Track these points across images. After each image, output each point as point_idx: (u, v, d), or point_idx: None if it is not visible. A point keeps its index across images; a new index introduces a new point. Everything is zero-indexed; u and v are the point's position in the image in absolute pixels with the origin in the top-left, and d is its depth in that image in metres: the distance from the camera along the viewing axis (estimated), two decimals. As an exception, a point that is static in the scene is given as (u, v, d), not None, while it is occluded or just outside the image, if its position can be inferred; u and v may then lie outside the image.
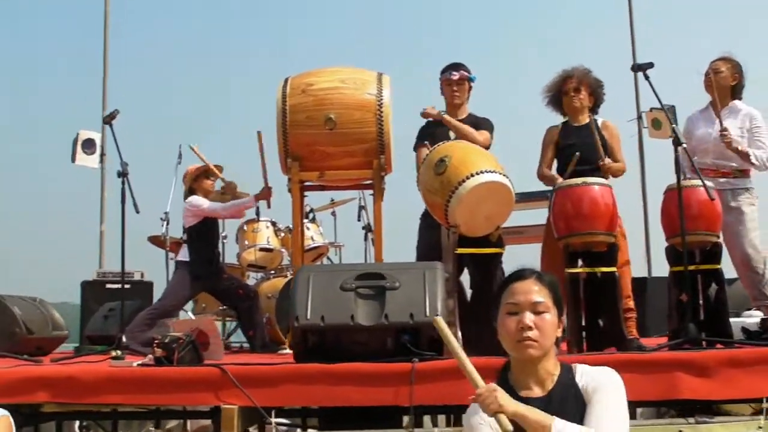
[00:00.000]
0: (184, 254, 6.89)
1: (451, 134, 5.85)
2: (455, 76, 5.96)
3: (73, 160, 9.92)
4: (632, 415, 4.77)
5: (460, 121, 5.96)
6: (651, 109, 9.68)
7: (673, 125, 5.12)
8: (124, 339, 5.54)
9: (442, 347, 4.49)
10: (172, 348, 4.47)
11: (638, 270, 8.54)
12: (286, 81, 6.61)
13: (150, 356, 4.56)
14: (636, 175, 11.34)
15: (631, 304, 5.60)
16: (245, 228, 8.20)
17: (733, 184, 5.73)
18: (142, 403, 4.30)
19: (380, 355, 4.35)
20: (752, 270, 5.60)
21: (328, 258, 8.66)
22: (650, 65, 5.29)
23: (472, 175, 4.75)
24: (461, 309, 4.98)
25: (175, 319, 5.41)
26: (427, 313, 4.35)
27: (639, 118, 11.02)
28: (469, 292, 5.33)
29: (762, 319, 6.02)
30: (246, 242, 8.13)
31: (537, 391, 2.54)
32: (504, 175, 4.85)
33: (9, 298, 6.77)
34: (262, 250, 8.11)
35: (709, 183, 5.28)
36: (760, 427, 4.11)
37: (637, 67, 5.32)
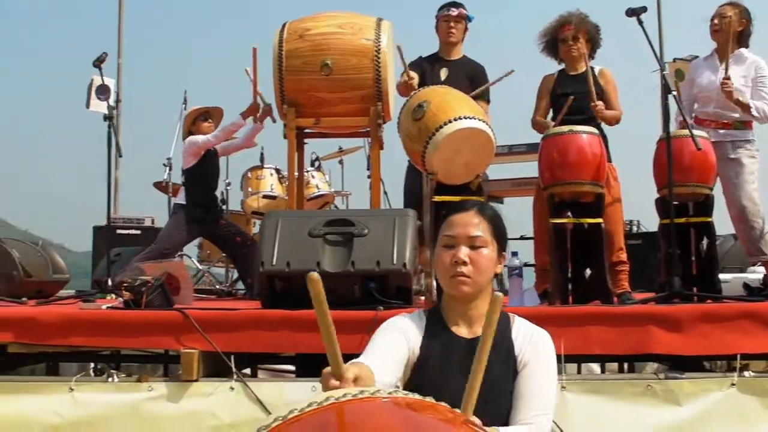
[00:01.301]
0: (181, 197, 6.86)
1: (442, 75, 5.67)
2: (454, 12, 5.79)
3: (88, 105, 9.87)
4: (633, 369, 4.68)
5: (454, 62, 5.76)
6: (674, 60, 9.39)
7: (664, 72, 4.92)
8: (110, 282, 5.56)
9: (410, 296, 4.43)
10: (141, 291, 4.45)
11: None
12: (283, 26, 6.53)
13: (120, 299, 4.55)
14: (660, 126, 11.03)
15: (624, 257, 5.47)
16: (249, 175, 8.17)
17: (734, 136, 5.51)
18: (102, 345, 4.29)
19: (347, 303, 4.27)
20: (748, 224, 5.41)
21: (335, 206, 8.60)
22: (644, 9, 5.08)
23: (450, 121, 4.60)
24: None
25: (147, 263, 5.38)
26: (395, 261, 4.28)
27: (662, 70, 10.70)
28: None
29: (765, 276, 5.85)
30: (250, 189, 8.10)
31: (465, 331, 2.43)
32: (484, 122, 4.70)
33: (9, 241, 6.84)
34: (265, 197, 8.06)
35: (701, 133, 5.12)
36: (733, 384, 3.98)
37: (630, 12, 5.11)
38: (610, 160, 5.57)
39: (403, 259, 4.29)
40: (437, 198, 4.82)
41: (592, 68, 5.63)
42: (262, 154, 8.06)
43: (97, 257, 8.52)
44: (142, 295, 4.44)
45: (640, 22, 5.09)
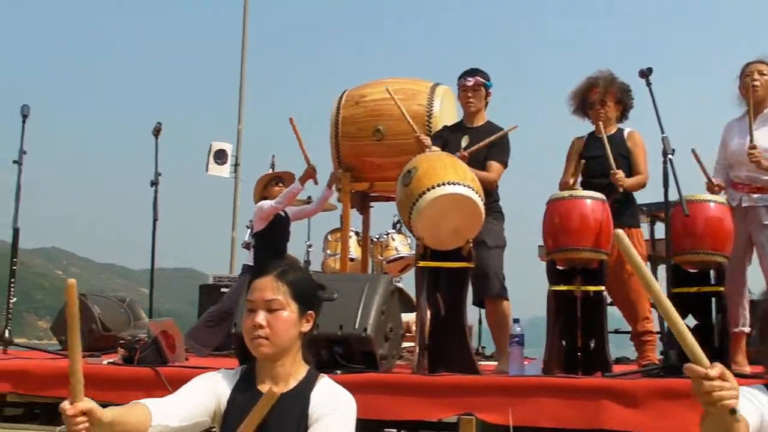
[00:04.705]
0: (249, 259, 7.17)
1: (463, 142, 5.55)
2: (470, 82, 5.58)
3: (207, 170, 10.51)
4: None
5: (476, 128, 5.64)
6: None
7: (664, 135, 4.72)
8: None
9: (375, 360, 4.45)
10: (135, 348, 4.72)
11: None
12: (343, 93, 6.79)
13: (119, 356, 4.83)
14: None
15: (650, 326, 5.25)
16: (329, 237, 8.41)
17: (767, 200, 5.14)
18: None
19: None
20: (783, 295, 4.99)
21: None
22: (650, 71, 4.92)
23: (433, 187, 4.61)
24: (435, 323, 4.86)
25: (150, 320, 5.65)
26: (356, 326, 4.32)
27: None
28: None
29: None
30: (328, 251, 8.32)
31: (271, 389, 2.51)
32: (469, 187, 4.67)
33: (93, 297, 7.37)
34: (344, 259, 8.23)
35: (719, 198, 4.90)
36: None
37: (641, 74, 4.97)
38: (637, 226, 5.38)
39: (365, 324, 4.34)
40: (422, 263, 4.83)
41: (621, 130, 5.47)
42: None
43: (201, 313, 8.96)
44: (137, 352, 4.70)
45: (649, 84, 4.94)
